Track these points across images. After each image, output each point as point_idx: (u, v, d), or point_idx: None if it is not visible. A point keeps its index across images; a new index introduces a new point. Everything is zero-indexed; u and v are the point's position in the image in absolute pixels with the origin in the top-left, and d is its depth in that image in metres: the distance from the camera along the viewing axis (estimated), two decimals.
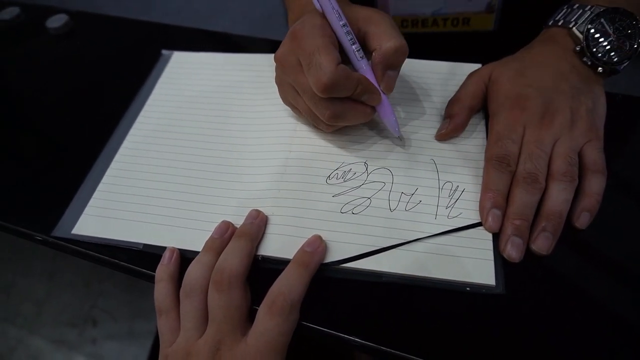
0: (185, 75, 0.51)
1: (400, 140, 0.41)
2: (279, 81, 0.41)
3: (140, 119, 0.47)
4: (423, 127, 0.42)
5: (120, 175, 0.42)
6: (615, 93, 0.43)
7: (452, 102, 0.42)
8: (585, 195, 0.36)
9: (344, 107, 0.36)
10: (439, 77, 0.46)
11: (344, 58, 0.37)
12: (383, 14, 0.37)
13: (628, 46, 0.39)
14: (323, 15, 0.37)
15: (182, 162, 0.43)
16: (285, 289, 0.32)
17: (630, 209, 0.38)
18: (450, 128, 0.40)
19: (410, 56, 0.38)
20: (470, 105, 0.41)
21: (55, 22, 0.60)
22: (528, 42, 0.44)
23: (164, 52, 0.54)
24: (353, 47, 0.36)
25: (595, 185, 0.36)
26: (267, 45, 0.55)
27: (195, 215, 0.39)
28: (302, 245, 0.35)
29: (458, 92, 0.42)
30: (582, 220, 0.35)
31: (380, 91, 0.37)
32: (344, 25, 0.36)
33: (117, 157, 0.44)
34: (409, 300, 0.34)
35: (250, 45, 0.56)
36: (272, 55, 0.39)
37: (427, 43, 0.52)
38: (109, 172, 0.43)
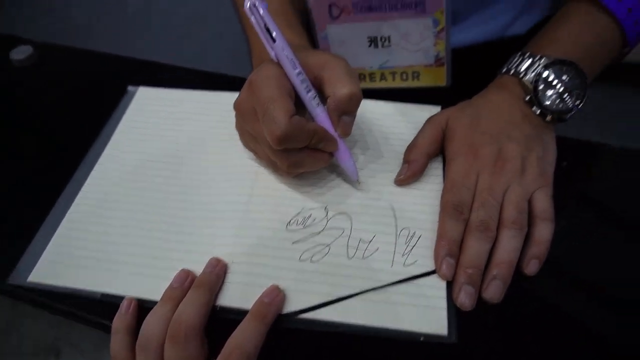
0: (149, 112, 0.51)
1: (359, 185, 0.41)
2: (239, 127, 0.41)
3: (102, 159, 0.47)
4: (382, 171, 0.43)
5: (80, 219, 0.42)
6: (566, 137, 0.45)
7: (410, 148, 0.43)
8: (534, 242, 0.37)
9: (301, 155, 0.37)
10: (398, 119, 0.47)
11: (302, 105, 0.38)
12: (339, 58, 0.38)
13: (575, 96, 0.41)
14: (279, 64, 0.37)
15: (142, 205, 0.43)
16: (242, 342, 0.33)
17: (579, 254, 0.39)
18: (409, 174, 0.41)
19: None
20: (428, 151, 0.42)
21: (20, 53, 0.60)
22: None
23: (130, 87, 0.54)
24: (308, 94, 0.37)
25: (544, 233, 0.38)
26: (235, 83, 0.55)
27: (154, 262, 0.39)
28: (260, 295, 0.35)
29: (416, 137, 0.43)
30: (531, 268, 0.37)
31: (337, 137, 0.38)
32: (299, 74, 0.36)
33: (77, 199, 0.44)
34: (365, 350, 0.34)
35: (219, 82, 0.55)
36: (237, 94, 0.40)
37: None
38: (68, 215, 0.42)
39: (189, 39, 1.78)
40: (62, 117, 0.53)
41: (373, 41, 0.49)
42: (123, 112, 0.51)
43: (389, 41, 0.49)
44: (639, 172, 0.45)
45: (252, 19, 0.36)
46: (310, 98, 0.37)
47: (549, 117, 0.42)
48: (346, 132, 0.38)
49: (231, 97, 0.50)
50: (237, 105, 0.39)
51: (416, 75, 0.51)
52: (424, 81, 0.51)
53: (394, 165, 0.43)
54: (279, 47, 0.36)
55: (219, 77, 0.56)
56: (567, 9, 0.44)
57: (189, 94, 0.52)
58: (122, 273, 0.38)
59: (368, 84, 0.52)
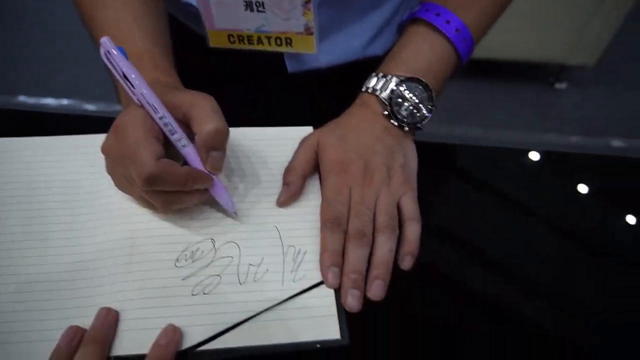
0: (11, 165, 0.48)
1: (236, 216, 0.43)
2: (110, 171, 0.41)
3: None
4: (264, 195, 0.45)
5: None
6: (422, 142, 0.51)
7: (287, 171, 0.46)
8: (406, 241, 0.42)
9: (175, 194, 0.38)
10: (274, 143, 0.49)
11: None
12: (206, 97, 0.39)
13: (423, 109, 0.47)
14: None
15: (12, 260, 0.40)
16: None
17: (446, 251, 0.45)
18: (288, 195, 0.44)
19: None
20: (304, 172, 0.45)
21: None
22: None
23: None
24: (173, 136, 0.38)
25: (413, 232, 0.42)
26: (106, 124, 0.53)
27: (35, 325, 0.37)
28: (157, 338, 0.35)
29: (292, 160, 0.46)
30: (406, 263, 0.41)
31: (209, 173, 0.39)
32: (161, 118, 0.37)
33: None
34: None
35: (87, 126, 0.53)
36: (104, 136, 0.39)
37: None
38: None
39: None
40: None
41: (249, 5, 0.51)
42: None
43: (263, 7, 0.51)
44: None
45: (109, 65, 0.36)
46: (176, 140, 0.38)
47: (406, 128, 0.47)
48: (216, 168, 0.39)
49: (100, 139, 0.49)
50: (105, 151, 0.38)
51: (289, 41, 0.54)
52: (296, 48, 0.54)
53: (275, 188, 0.46)
54: (139, 94, 0.36)
55: (86, 119, 0.54)
56: (409, 32, 0.50)
57: (53, 140, 0.49)
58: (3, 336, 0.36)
59: (247, 46, 0.55)
